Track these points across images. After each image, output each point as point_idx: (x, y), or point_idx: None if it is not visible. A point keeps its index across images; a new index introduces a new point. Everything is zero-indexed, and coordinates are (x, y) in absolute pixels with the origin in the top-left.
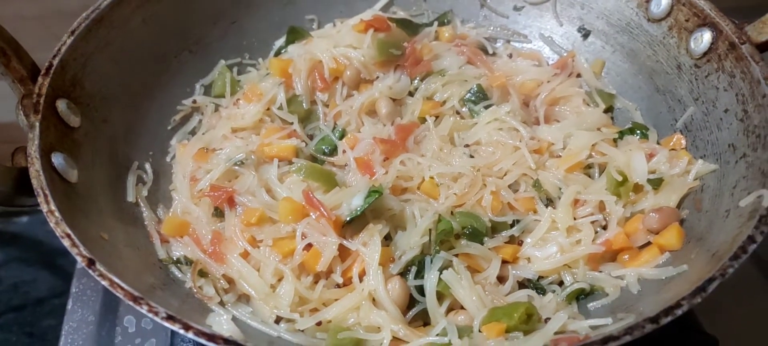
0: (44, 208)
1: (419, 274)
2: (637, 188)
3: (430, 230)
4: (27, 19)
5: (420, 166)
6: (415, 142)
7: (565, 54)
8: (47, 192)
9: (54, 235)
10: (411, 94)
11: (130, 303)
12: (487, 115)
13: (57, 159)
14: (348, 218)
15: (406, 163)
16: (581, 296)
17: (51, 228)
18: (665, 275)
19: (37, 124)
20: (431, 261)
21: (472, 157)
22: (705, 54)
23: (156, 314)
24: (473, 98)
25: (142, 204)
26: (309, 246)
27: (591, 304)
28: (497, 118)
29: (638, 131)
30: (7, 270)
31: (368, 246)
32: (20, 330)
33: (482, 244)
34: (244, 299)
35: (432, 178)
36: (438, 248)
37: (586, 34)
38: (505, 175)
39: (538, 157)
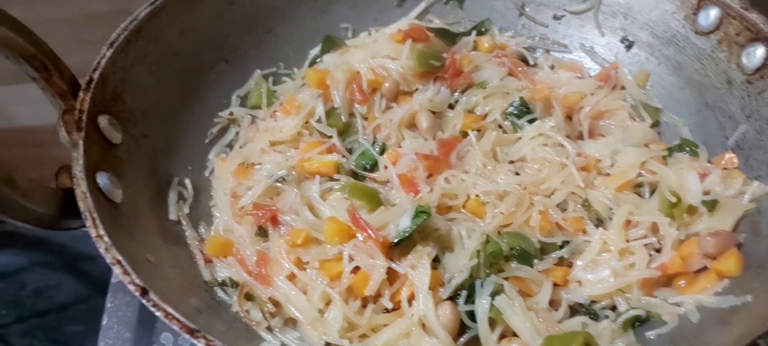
0: (93, 232)
1: (470, 298)
2: (691, 210)
3: (478, 251)
4: (55, 23)
5: (465, 183)
6: (458, 158)
7: (607, 65)
8: (95, 215)
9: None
10: (451, 107)
11: (187, 336)
12: (532, 129)
13: (102, 179)
14: (396, 240)
15: (450, 180)
16: (637, 323)
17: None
18: (727, 303)
19: (81, 142)
20: (482, 285)
21: (517, 174)
22: (758, 70)
23: None
24: (516, 112)
25: (183, 222)
26: (356, 269)
27: (649, 332)
28: (542, 133)
29: (687, 148)
30: (32, 274)
31: (417, 269)
32: (45, 336)
33: (532, 266)
34: (290, 323)
35: (477, 196)
36: (488, 271)
37: (629, 45)
38: (552, 193)
39: (586, 175)
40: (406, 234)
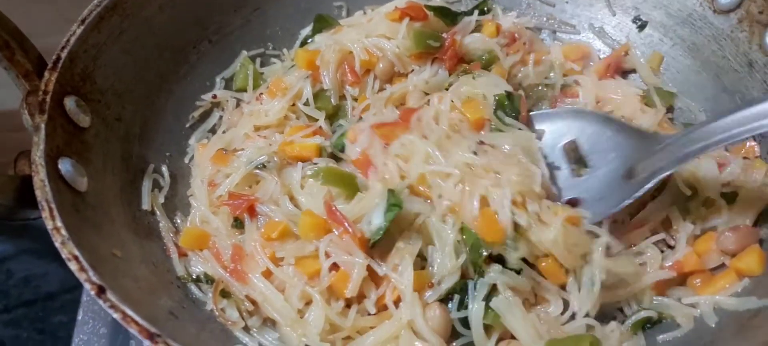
0: (49, 224)
1: (462, 303)
2: (708, 203)
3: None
4: (37, 2)
5: (415, 146)
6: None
7: (617, 47)
8: (53, 205)
9: None
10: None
11: (146, 341)
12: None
13: (64, 165)
14: (371, 243)
15: (406, 145)
16: (648, 326)
17: None
18: (747, 306)
19: (43, 125)
20: (475, 288)
21: (475, 154)
22: None
23: None
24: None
25: (158, 212)
26: (336, 267)
27: (661, 336)
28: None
29: None
30: (18, 263)
31: (399, 271)
32: (31, 326)
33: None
34: (269, 322)
35: (424, 175)
36: (482, 269)
37: (642, 26)
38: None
39: None
40: (382, 233)
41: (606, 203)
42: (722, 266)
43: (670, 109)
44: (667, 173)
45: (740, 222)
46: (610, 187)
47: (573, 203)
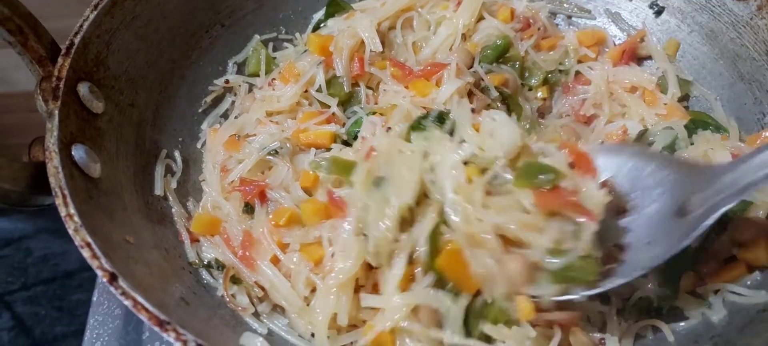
0: (62, 211)
1: None
2: None
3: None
4: None
5: None
6: None
7: (633, 33)
8: (66, 192)
9: None
10: None
11: (156, 329)
12: None
13: (78, 152)
14: None
15: None
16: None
17: None
18: (757, 299)
19: (57, 112)
20: None
21: None
22: None
23: (185, 343)
24: None
25: (170, 198)
26: None
27: (669, 326)
28: None
29: (712, 126)
30: (37, 241)
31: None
32: (49, 304)
33: None
34: (279, 308)
35: None
36: None
37: (659, 11)
38: None
39: None
40: None
41: (659, 246)
42: (733, 258)
43: (685, 97)
44: (729, 206)
45: (752, 213)
46: (660, 227)
47: (619, 248)
